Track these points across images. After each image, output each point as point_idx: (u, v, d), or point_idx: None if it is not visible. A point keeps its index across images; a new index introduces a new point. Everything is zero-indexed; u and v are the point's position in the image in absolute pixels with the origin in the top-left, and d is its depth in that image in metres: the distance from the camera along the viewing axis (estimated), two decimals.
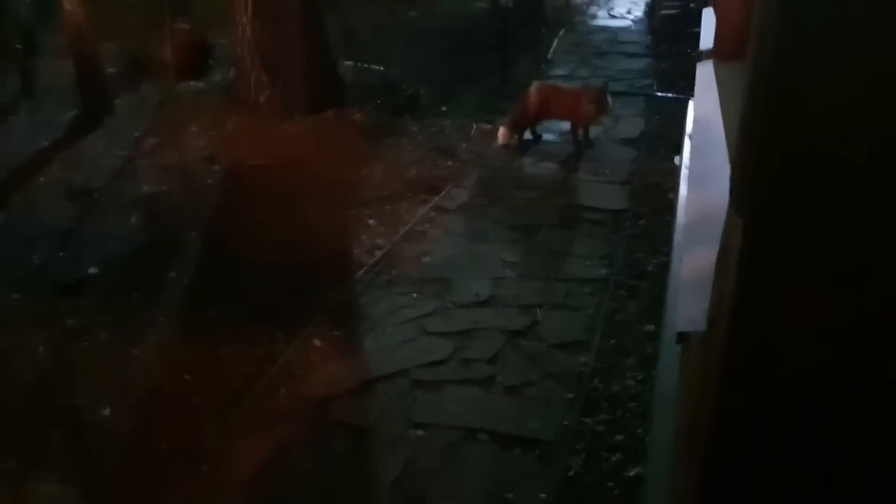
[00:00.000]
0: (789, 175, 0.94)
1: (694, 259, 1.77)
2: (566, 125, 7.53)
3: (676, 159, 5.45)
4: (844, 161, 0.92)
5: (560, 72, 9.31)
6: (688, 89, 6.70)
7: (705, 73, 3.51)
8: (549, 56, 9.83)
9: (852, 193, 0.92)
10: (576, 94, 7.22)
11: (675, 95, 7.96)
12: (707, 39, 3.97)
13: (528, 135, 7.21)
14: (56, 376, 4.07)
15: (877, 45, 0.87)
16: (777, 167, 0.94)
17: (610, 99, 7.02)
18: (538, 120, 7.16)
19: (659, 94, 8.32)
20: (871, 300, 0.94)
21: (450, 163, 6.76)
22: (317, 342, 4.26)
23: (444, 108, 8.00)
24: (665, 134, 7.07)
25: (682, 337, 1.65)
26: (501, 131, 7.02)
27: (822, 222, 0.94)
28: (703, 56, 3.94)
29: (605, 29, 11.19)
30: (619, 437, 3.50)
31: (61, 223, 5.64)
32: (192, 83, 8.40)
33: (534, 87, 7.11)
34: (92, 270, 5.01)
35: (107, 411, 3.78)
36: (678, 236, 3.43)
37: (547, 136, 7.32)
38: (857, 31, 0.88)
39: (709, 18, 4.31)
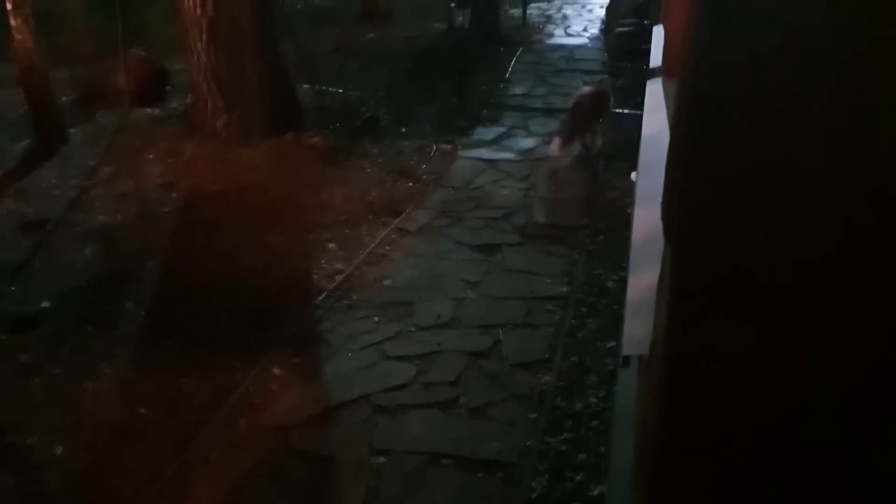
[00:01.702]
0: (714, 201, 0.94)
1: (640, 280, 1.77)
2: (527, 143, 7.63)
3: (633, 175, 5.50)
4: (771, 187, 0.92)
5: (518, 90, 9.40)
6: (643, 105, 6.80)
7: (654, 90, 3.55)
8: (507, 75, 9.92)
9: (779, 218, 0.92)
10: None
11: (631, 111, 8.05)
12: (657, 56, 4.03)
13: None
14: (6, 414, 3.95)
15: (805, 70, 0.88)
16: (702, 194, 0.94)
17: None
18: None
19: (616, 110, 8.41)
20: (802, 327, 0.94)
21: (410, 184, 6.76)
22: (276, 370, 4.20)
23: (403, 130, 8.02)
24: (622, 150, 7.13)
25: (626, 361, 1.64)
26: (556, 142, 7.04)
27: (750, 248, 0.94)
28: (653, 73, 4.00)
29: (561, 47, 11.33)
30: (581, 457, 3.48)
31: (13, 256, 5.50)
32: (148, 110, 8.32)
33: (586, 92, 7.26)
34: (45, 304, 4.89)
35: (59, 450, 3.67)
36: (631, 253, 3.45)
37: (506, 155, 7.37)
38: (785, 58, 0.88)
39: (658, 36, 4.38)
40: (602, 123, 7.30)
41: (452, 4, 8.76)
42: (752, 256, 0.92)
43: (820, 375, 0.95)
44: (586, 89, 7.65)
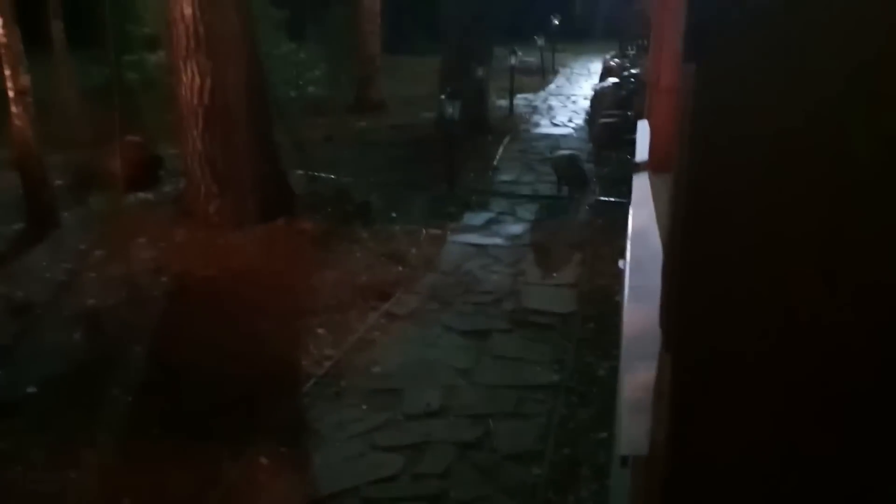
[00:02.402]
0: (713, 316, 0.98)
1: (635, 378, 1.79)
2: (515, 229, 7.76)
3: (621, 263, 5.59)
4: (767, 298, 0.96)
5: (506, 178, 9.60)
6: (628, 193, 6.99)
7: (641, 184, 3.65)
8: (495, 163, 10.14)
9: (778, 330, 0.96)
10: None
11: (616, 199, 8.23)
12: (643, 151, 4.16)
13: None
14: None
15: (792, 189, 0.93)
16: (701, 309, 0.98)
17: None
18: None
19: (602, 198, 8.59)
20: (802, 437, 0.98)
21: (400, 268, 6.81)
22: (263, 460, 4.13)
23: (393, 215, 8.13)
24: (609, 237, 7.27)
25: (625, 461, 1.65)
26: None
27: (749, 361, 0.98)
28: (639, 167, 4.12)
29: (547, 137, 11.63)
30: None
31: (0, 340, 5.46)
32: (142, 195, 8.42)
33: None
34: (30, 389, 4.83)
35: None
36: (623, 350, 3.48)
37: (495, 241, 7.47)
38: (773, 180, 0.94)
39: (643, 130, 4.52)
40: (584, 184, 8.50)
41: (443, 96, 9.02)
42: (752, 367, 0.96)
43: (825, 481, 0.98)
44: (563, 153, 9.07)
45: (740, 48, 0.90)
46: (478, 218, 8.13)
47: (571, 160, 8.93)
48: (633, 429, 1.56)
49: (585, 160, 10.26)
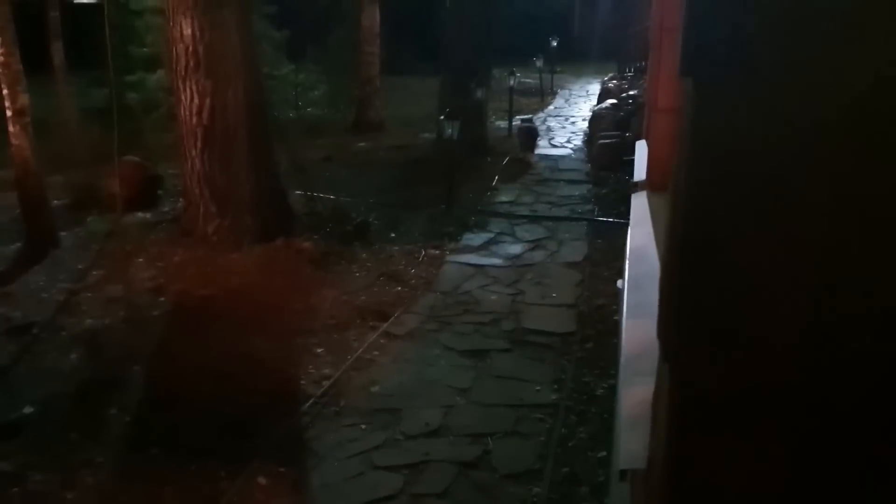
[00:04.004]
0: (711, 326, 0.98)
1: (634, 393, 1.80)
2: (514, 249, 7.78)
3: (619, 283, 5.60)
4: (766, 310, 0.97)
5: (505, 198, 9.62)
6: (627, 214, 7.03)
7: (640, 204, 3.67)
8: (494, 184, 10.18)
9: (772, 345, 0.97)
10: None
11: (615, 220, 8.26)
12: (641, 170, 4.18)
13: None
14: None
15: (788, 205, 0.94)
16: (699, 319, 0.99)
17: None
18: None
19: (600, 218, 8.62)
20: (796, 446, 0.98)
21: (399, 288, 6.81)
22: (261, 480, 4.11)
23: (392, 235, 8.15)
24: (608, 257, 7.29)
25: (624, 475, 1.65)
26: None
27: (745, 372, 0.98)
28: (637, 187, 4.14)
29: (546, 157, 11.68)
30: None
31: None
32: (140, 215, 8.43)
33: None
34: (28, 410, 4.81)
35: None
36: (622, 365, 3.48)
37: (493, 261, 7.48)
38: (773, 194, 0.95)
39: (641, 150, 4.55)
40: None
41: (442, 117, 9.07)
42: (750, 378, 0.96)
43: (818, 494, 0.98)
44: (524, 125, 12.14)
45: (737, 61, 0.91)
46: (477, 238, 8.14)
47: (529, 130, 12.07)
48: (631, 443, 1.56)
49: (583, 180, 10.33)
